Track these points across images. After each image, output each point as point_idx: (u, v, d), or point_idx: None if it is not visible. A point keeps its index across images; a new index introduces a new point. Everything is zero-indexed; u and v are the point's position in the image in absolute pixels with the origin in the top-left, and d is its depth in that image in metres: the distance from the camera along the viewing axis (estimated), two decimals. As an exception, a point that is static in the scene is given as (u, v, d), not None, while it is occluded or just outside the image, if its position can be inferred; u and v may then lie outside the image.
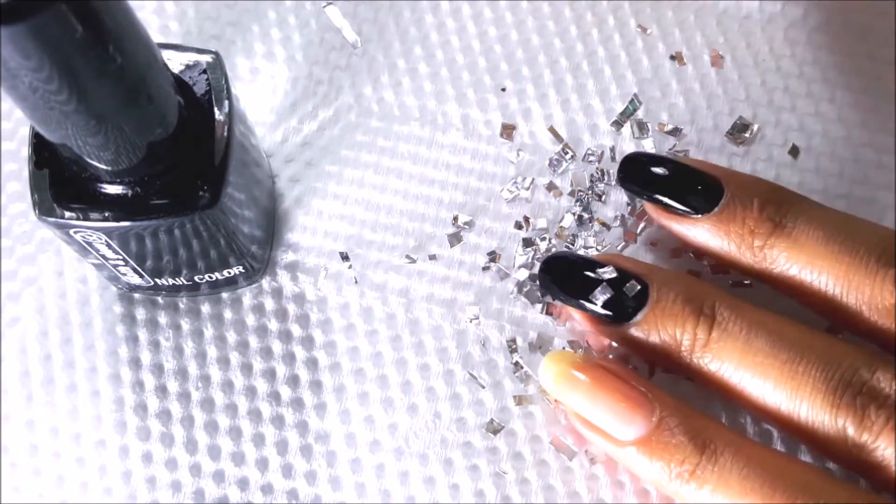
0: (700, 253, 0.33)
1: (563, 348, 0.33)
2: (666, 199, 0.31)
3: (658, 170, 0.32)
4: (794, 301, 0.31)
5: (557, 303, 0.33)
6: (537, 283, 0.33)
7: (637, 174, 0.33)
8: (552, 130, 0.36)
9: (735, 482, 0.27)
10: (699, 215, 0.31)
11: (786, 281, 0.30)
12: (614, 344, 0.32)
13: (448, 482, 0.32)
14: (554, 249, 0.34)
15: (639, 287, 0.30)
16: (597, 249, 0.34)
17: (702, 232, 0.31)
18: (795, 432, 0.29)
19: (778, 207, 0.30)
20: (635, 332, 0.30)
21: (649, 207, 0.33)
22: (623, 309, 0.30)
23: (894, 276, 0.28)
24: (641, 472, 0.29)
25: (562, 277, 0.31)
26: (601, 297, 0.30)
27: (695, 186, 0.31)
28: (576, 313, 0.32)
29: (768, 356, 0.29)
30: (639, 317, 0.30)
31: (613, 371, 0.30)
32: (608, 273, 0.31)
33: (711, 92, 0.37)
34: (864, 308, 0.29)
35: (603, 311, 0.30)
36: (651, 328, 0.30)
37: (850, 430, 0.27)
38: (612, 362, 0.31)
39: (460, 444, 0.33)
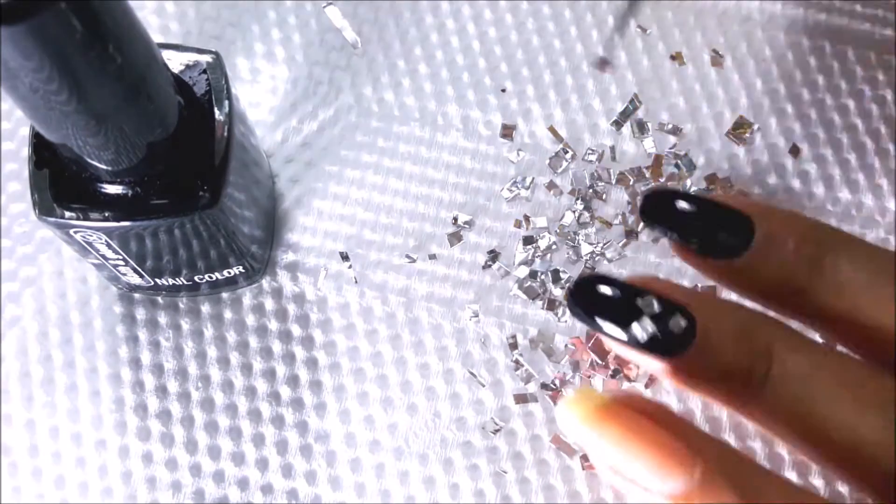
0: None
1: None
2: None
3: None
4: None
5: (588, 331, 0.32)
6: (567, 304, 0.31)
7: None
8: (552, 130, 0.36)
9: None
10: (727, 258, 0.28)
11: (822, 326, 0.28)
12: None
13: (448, 482, 0.32)
14: (555, 247, 0.34)
15: (686, 323, 0.27)
16: (600, 247, 0.34)
17: (730, 275, 0.28)
18: (852, 483, 0.26)
19: (816, 243, 0.28)
20: (673, 370, 0.27)
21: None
22: (667, 344, 0.27)
23: None
24: None
25: (594, 305, 0.28)
26: (642, 333, 0.27)
27: (723, 225, 0.28)
28: (608, 341, 0.30)
29: (832, 396, 0.26)
30: (686, 352, 0.26)
31: (649, 412, 0.26)
32: (650, 307, 0.27)
33: (711, 92, 0.37)
34: None
35: (643, 350, 0.27)
36: (703, 359, 0.27)
37: None
38: (647, 401, 0.28)
39: (460, 443, 0.33)
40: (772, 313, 0.28)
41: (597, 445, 0.26)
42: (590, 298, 0.28)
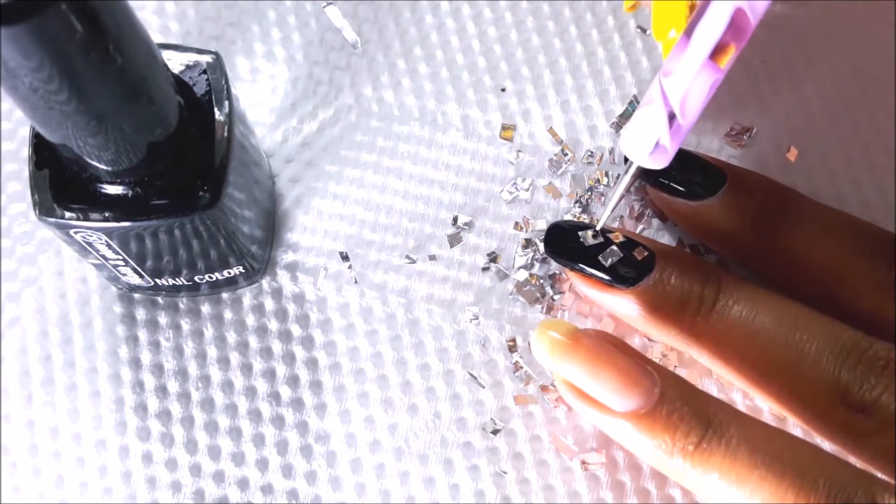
0: (700, 238, 0.35)
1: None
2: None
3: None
4: None
5: (563, 275, 0.34)
6: (544, 253, 0.34)
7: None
8: (552, 132, 0.36)
9: (744, 456, 0.26)
10: (700, 199, 0.32)
11: (781, 269, 0.32)
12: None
13: (448, 482, 0.32)
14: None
15: (647, 253, 0.31)
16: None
17: (703, 215, 0.32)
18: (789, 397, 0.29)
19: (778, 196, 0.32)
20: (642, 292, 0.30)
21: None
22: (629, 271, 0.31)
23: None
24: (639, 448, 0.28)
25: (567, 248, 0.32)
26: (610, 258, 0.31)
27: (698, 171, 0.33)
28: (578, 281, 0.32)
29: (774, 322, 0.29)
30: (646, 280, 0.30)
31: (613, 342, 0.29)
32: (617, 237, 0.31)
33: (711, 92, 0.37)
34: (858, 292, 0.31)
35: (610, 283, 0.31)
36: (660, 287, 0.30)
37: (851, 392, 0.28)
38: (611, 335, 0.30)
39: (460, 444, 0.33)
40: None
41: (566, 370, 0.30)
42: (563, 242, 0.32)
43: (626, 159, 0.34)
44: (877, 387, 0.27)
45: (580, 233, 0.32)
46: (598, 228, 0.32)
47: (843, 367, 0.28)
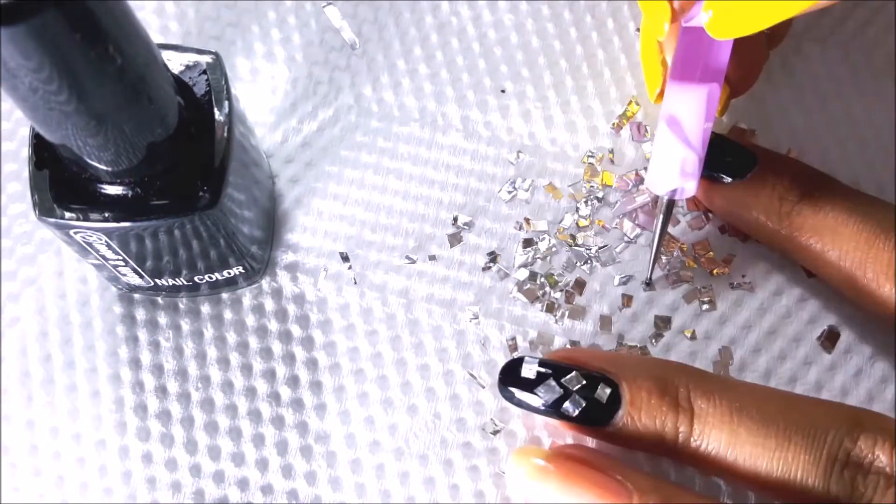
0: (731, 220, 0.35)
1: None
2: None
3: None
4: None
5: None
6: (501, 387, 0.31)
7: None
8: (552, 132, 0.36)
9: None
10: (731, 180, 0.33)
11: (806, 251, 0.32)
12: None
13: (448, 482, 0.32)
14: (554, 249, 0.34)
15: (609, 390, 0.29)
16: (597, 249, 0.34)
17: (733, 196, 0.33)
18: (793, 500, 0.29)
19: (808, 179, 0.32)
20: (616, 431, 0.29)
21: None
22: (597, 414, 0.29)
23: None
24: None
25: (527, 388, 0.30)
26: (574, 409, 0.29)
27: (730, 154, 0.33)
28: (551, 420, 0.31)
29: (756, 445, 0.28)
30: (616, 420, 0.29)
31: (585, 460, 0.29)
32: (575, 383, 0.29)
33: (711, 93, 0.37)
34: (881, 278, 0.30)
35: (578, 421, 0.30)
36: (631, 427, 0.29)
37: (843, 501, 0.27)
38: (583, 448, 0.30)
39: (460, 444, 0.33)
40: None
41: (544, 494, 0.29)
42: (518, 384, 0.30)
43: (656, 201, 0.35)
44: (866, 491, 0.27)
45: (536, 391, 0.30)
46: (647, 279, 0.34)
47: (831, 481, 0.27)
